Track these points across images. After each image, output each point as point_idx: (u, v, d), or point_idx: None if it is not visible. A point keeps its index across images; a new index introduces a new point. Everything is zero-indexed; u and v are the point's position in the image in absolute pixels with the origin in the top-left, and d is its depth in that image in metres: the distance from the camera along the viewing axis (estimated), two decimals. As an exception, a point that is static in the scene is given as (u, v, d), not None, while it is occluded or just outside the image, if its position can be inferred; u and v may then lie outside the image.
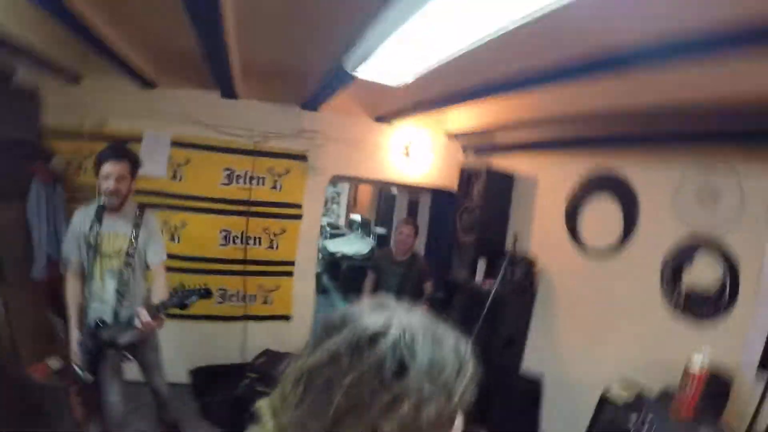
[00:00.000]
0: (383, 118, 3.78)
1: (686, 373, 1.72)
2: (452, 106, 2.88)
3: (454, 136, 4.00)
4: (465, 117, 3.67)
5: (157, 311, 2.23)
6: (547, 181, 3.29)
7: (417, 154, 3.95)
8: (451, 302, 3.65)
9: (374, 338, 0.55)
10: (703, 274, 2.12)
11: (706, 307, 2.06)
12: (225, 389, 3.24)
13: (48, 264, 3.05)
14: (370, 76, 2.25)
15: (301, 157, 3.69)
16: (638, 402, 2.06)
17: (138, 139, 3.31)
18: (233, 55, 2.51)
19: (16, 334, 2.91)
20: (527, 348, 3.28)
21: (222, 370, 3.52)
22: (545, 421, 3.08)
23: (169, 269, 2.50)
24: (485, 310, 2.93)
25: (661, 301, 2.28)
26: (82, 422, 3.02)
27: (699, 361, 1.69)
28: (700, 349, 1.71)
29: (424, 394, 0.53)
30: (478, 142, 3.90)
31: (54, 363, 2.98)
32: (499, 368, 3.17)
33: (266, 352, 3.48)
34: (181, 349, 3.40)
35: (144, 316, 2.17)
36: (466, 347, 0.61)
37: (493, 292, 3.01)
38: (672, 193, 2.27)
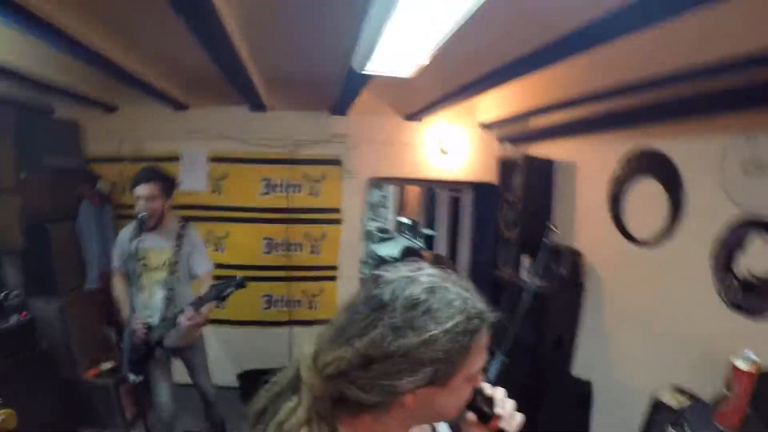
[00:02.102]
0: (413, 116, 3.72)
1: (734, 373, 1.48)
2: (478, 92, 2.75)
3: (487, 127, 3.85)
4: (494, 104, 3.53)
5: (197, 306, 2.38)
6: (587, 166, 3.06)
7: (452, 149, 3.85)
8: (498, 301, 3.50)
9: (376, 279, 0.74)
10: (759, 260, 1.85)
11: (763, 298, 1.78)
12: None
13: (99, 276, 3.34)
14: (380, 71, 2.21)
15: (336, 162, 3.72)
16: (693, 407, 1.83)
17: (176, 159, 3.52)
18: (252, 70, 2.60)
19: (71, 340, 3.19)
20: (577, 347, 3.05)
21: (269, 373, 3.61)
22: (596, 425, 2.85)
23: (215, 278, 2.62)
24: (525, 307, 2.78)
25: (714, 293, 2.02)
26: (133, 421, 3.26)
27: (747, 359, 1.46)
28: (752, 345, 1.47)
29: (395, 325, 0.68)
30: (512, 131, 3.73)
31: (106, 366, 3.26)
32: (548, 369, 2.99)
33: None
34: (230, 354, 3.55)
35: (187, 312, 2.35)
36: (466, 307, 0.72)
37: (533, 288, 2.85)
38: (717, 169, 2.01)
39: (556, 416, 2.81)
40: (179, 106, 3.51)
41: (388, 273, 0.75)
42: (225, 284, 2.41)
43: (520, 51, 2.02)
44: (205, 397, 2.98)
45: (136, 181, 2.49)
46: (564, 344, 3.06)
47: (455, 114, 3.69)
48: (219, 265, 3.17)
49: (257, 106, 3.51)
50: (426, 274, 0.74)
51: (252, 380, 3.58)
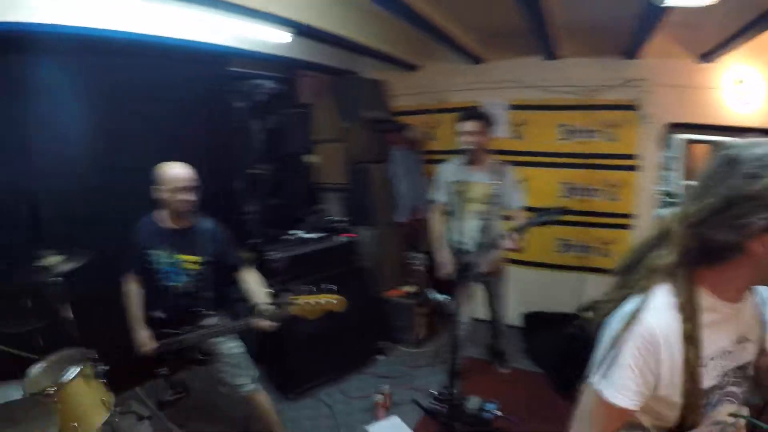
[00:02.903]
0: (707, 57, 3.35)
1: None
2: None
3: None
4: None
5: (519, 232, 2.58)
6: None
7: (751, 93, 3.35)
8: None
9: (723, 146, 0.85)
10: None
11: None
12: (553, 334, 3.35)
13: (408, 211, 3.76)
14: (678, 1, 2.04)
15: (631, 107, 3.56)
16: None
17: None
18: (552, 19, 2.69)
19: (381, 264, 3.71)
20: None
21: (553, 317, 3.65)
22: None
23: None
24: None
25: None
26: (421, 341, 3.59)
27: None
28: None
29: (749, 173, 0.78)
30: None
31: (407, 289, 3.66)
32: None
33: (593, 306, 3.42)
34: (518, 294, 3.64)
35: (513, 236, 2.57)
36: None
37: None
38: None
39: None
40: (476, 61, 3.80)
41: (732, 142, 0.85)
42: (547, 211, 2.55)
43: None
44: (495, 325, 3.17)
45: (463, 118, 2.79)
46: None
47: (754, 52, 3.26)
48: (520, 209, 3.34)
49: (550, 55, 3.58)
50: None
51: (536, 322, 3.64)
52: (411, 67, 4.03)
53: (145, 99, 3.08)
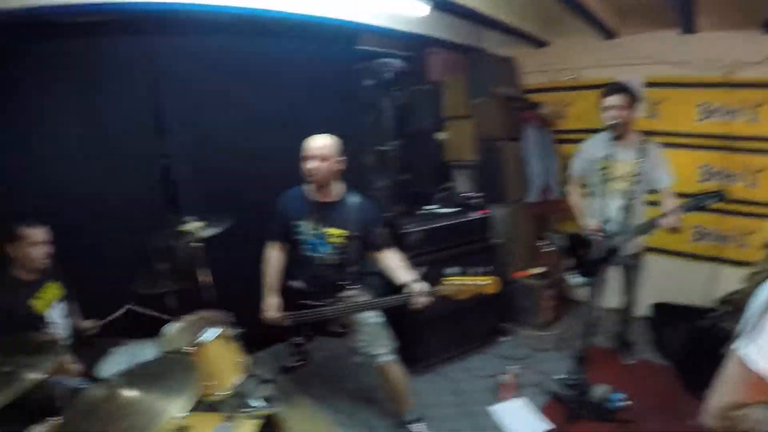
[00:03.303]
0: None
1: None
2: None
3: None
4: None
5: (683, 211, 2.45)
6: None
7: None
8: None
9: None
10: None
11: None
12: (683, 327, 3.15)
13: (539, 191, 3.65)
14: None
15: (774, 86, 3.25)
16: None
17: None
18: None
19: (510, 243, 3.65)
20: None
21: (684, 309, 3.44)
22: None
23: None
24: None
25: None
26: (548, 322, 3.52)
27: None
28: None
29: None
30: None
31: (535, 270, 3.57)
32: None
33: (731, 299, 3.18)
34: (649, 283, 3.46)
35: (672, 215, 2.44)
36: None
37: None
38: None
39: None
40: (609, 35, 3.59)
41: None
42: (705, 195, 2.39)
43: None
44: (626, 312, 3.02)
45: (607, 93, 2.66)
46: None
47: None
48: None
49: (688, 28, 3.31)
50: None
51: (666, 313, 3.47)
52: (540, 44, 3.90)
53: (278, 76, 3.23)
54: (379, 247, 2.40)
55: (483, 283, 2.14)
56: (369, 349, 2.41)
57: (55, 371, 2.07)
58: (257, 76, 3.20)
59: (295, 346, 3.11)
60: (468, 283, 2.13)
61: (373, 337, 2.40)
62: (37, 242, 2.22)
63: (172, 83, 2.97)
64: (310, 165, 2.27)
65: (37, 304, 2.24)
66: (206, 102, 3.07)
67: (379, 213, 2.48)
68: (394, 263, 2.36)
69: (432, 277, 2.24)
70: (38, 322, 2.23)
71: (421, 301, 2.17)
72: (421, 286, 2.19)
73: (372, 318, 2.42)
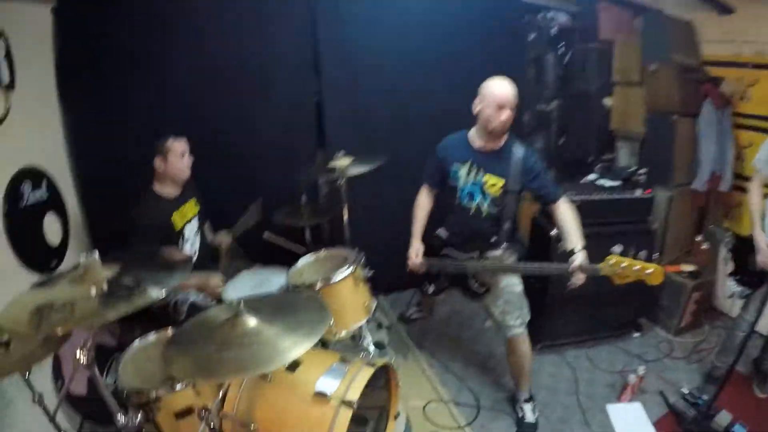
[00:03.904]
0: None
1: None
2: None
3: None
4: None
5: None
6: None
7: None
8: None
9: None
10: None
11: None
12: None
13: (708, 179, 3.17)
14: None
15: None
16: None
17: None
18: None
19: (666, 232, 3.26)
20: None
21: None
22: None
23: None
24: None
25: None
26: (685, 327, 3.11)
27: None
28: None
29: None
30: None
31: (687, 267, 3.06)
32: None
33: None
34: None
35: None
36: None
37: None
38: None
39: None
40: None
41: None
42: None
43: None
44: None
45: None
46: None
47: None
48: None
49: None
50: None
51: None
52: (724, 9, 3.25)
53: (439, 24, 3.10)
54: (554, 196, 2.16)
55: (649, 270, 1.89)
56: (505, 317, 2.26)
57: (183, 287, 2.22)
58: (418, 21, 3.08)
59: (423, 296, 3.11)
60: (634, 267, 1.90)
61: (513, 306, 2.25)
62: (183, 152, 2.29)
63: (330, 23, 2.96)
64: (505, 117, 2.06)
65: (175, 220, 2.32)
66: (362, 45, 3.03)
67: (544, 164, 2.23)
68: (570, 219, 2.11)
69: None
70: (177, 237, 2.33)
71: (581, 277, 1.98)
72: (584, 260, 1.98)
73: (517, 285, 2.27)
